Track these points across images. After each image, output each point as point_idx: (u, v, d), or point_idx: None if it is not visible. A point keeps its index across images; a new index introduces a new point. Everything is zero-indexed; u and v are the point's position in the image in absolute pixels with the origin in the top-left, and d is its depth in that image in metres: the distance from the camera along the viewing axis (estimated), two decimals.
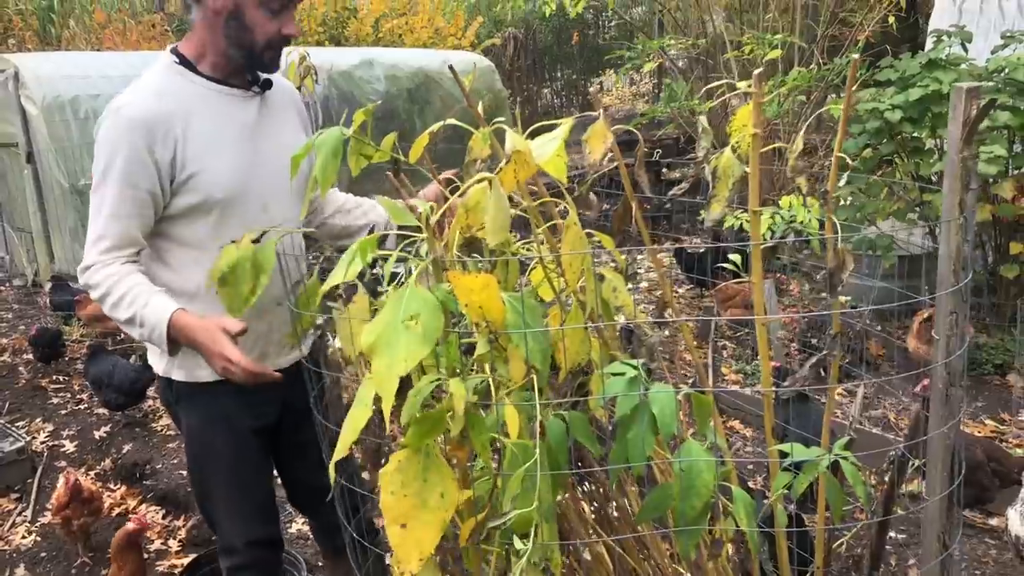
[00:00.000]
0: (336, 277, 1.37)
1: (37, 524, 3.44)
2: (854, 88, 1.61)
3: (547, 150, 1.49)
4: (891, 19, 5.66)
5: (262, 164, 1.88)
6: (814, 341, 4.07)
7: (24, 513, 3.53)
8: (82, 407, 4.53)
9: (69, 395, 4.69)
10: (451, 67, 1.61)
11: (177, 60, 1.84)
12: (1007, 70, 3.85)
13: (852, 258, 1.66)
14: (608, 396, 1.43)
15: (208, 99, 1.83)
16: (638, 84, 14.64)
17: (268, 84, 1.93)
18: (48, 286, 5.74)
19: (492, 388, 1.37)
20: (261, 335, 1.94)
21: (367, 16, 10.53)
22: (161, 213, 1.82)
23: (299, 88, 4.32)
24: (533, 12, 9.69)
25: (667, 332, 5.20)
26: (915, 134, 3.98)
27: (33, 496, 3.63)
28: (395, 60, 8.35)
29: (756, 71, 1.66)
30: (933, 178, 4.07)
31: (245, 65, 1.85)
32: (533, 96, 14.65)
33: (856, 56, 1.56)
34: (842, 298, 4.85)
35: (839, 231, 1.65)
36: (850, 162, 1.54)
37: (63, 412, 4.47)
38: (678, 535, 1.46)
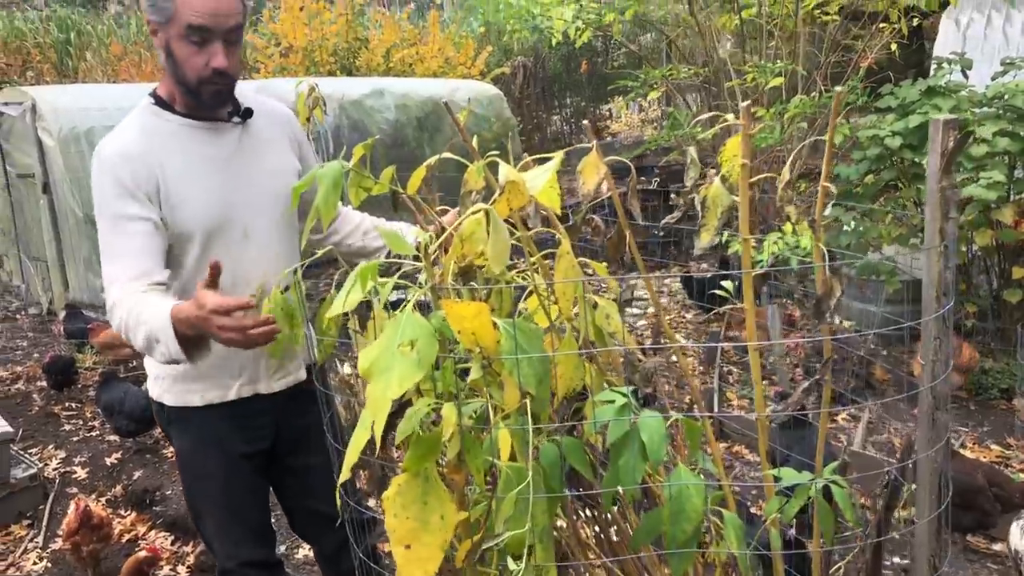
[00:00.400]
0: (336, 306, 1.41)
1: (48, 550, 3.48)
2: (842, 116, 1.65)
3: (539, 181, 1.55)
4: (894, 46, 5.72)
5: (241, 192, 1.93)
6: (818, 366, 4.07)
7: (36, 539, 3.57)
8: (94, 434, 4.59)
9: (81, 422, 4.75)
10: (445, 103, 1.66)
11: (154, 101, 1.91)
12: (1006, 96, 3.89)
13: (840, 285, 1.70)
14: (599, 422, 1.47)
15: (183, 135, 1.89)
16: (647, 111, 14.74)
17: (248, 113, 1.97)
18: (62, 314, 5.83)
19: (490, 412, 1.42)
20: (250, 360, 1.97)
21: (378, 46, 10.66)
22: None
23: (307, 119, 4.41)
24: (541, 40, 9.81)
25: (674, 358, 5.22)
26: (916, 160, 4.02)
27: (45, 522, 3.68)
28: (405, 89, 8.45)
29: (743, 104, 1.71)
30: None
31: (195, 102, 1.88)
32: (543, 123, 14.79)
33: (839, 89, 1.60)
34: (846, 323, 4.88)
35: (827, 258, 1.69)
36: (832, 189, 1.58)
37: (75, 439, 4.53)
38: (670, 558, 1.49)
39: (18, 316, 7.02)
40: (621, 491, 1.56)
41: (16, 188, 6.90)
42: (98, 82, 10.16)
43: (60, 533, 3.39)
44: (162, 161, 1.85)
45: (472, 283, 1.55)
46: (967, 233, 3.86)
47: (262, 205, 1.96)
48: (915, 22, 5.64)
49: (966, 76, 4.41)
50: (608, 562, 1.80)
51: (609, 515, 1.93)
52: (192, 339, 1.69)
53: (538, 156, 1.63)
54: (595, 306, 1.72)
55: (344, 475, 1.28)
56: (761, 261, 4.25)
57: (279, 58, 10.56)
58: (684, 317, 6.17)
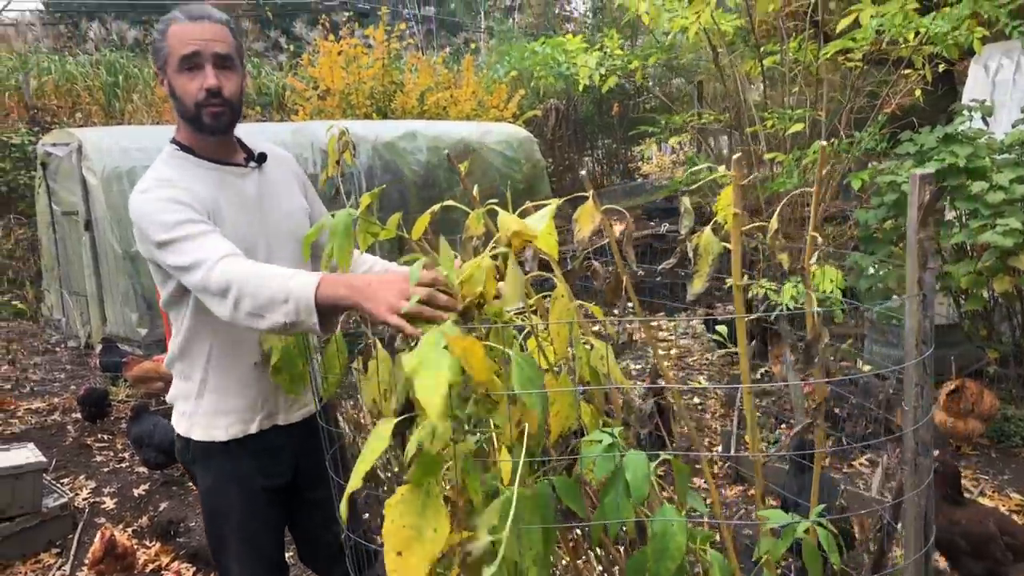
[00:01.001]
0: None
1: None
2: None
3: (537, 228, 1.62)
4: (917, 92, 5.74)
5: (262, 231, 2.04)
6: (836, 411, 4.07)
7: (63, 568, 3.67)
8: (124, 465, 4.71)
9: (112, 453, 4.88)
10: (447, 154, 1.76)
11: (177, 148, 2.02)
12: None
13: (827, 332, 1.75)
14: (587, 461, 1.53)
15: (210, 177, 1.99)
16: (678, 152, 14.84)
17: (263, 158, 2.10)
18: (99, 348, 6.00)
19: (494, 441, 1.49)
20: (270, 393, 2.07)
21: (413, 89, 10.90)
22: None
23: (337, 162, 4.53)
24: (570, 85, 9.97)
25: (696, 400, 5.25)
26: (936, 206, 4.03)
27: (73, 551, 3.78)
28: (437, 132, 8.64)
29: (735, 156, 1.78)
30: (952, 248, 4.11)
31: (199, 131, 1.98)
32: (574, 164, 14.94)
33: (823, 143, 1.67)
34: (866, 367, 4.87)
35: (815, 304, 1.74)
36: (819, 239, 1.63)
37: (105, 470, 4.66)
38: None
39: (57, 349, 7.23)
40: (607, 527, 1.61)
41: (60, 225, 7.15)
42: (142, 123, 10.49)
43: (87, 562, 3.49)
44: (195, 198, 1.92)
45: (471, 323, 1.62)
46: (986, 279, 3.86)
47: (280, 244, 2.07)
48: (940, 68, 5.66)
49: (986, 123, 4.44)
50: None
51: (612, 553, 1.98)
52: (327, 309, 1.64)
53: (569, 196, 1.71)
54: (591, 347, 1.79)
55: (354, 484, 1.34)
56: (780, 305, 4.28)
57: (317, 101, 10.84)
58: (708, 359, 6.18)
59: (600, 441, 1.54)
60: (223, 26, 1.96)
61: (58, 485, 4.19)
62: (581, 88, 6.32)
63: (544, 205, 1.67)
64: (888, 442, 4.15)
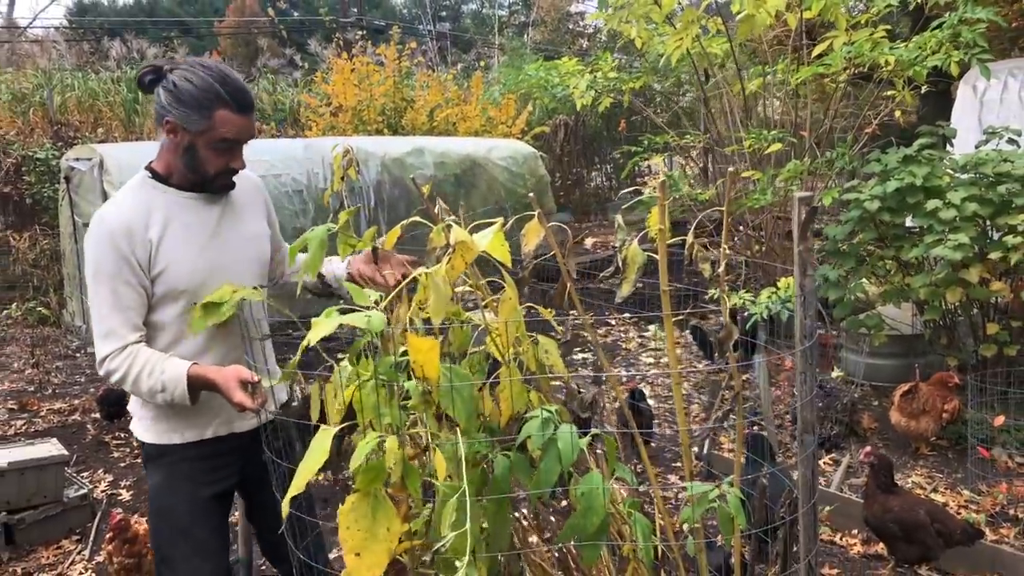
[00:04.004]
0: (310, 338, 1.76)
1: (93, 562, 3.88)
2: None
3: (487, 239, 1.92)
4: (898, 114, 6.01)
5: (226, 254, 2.19)
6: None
7: (83, 553, 3.97)
8: (139, 460, 5.02)
9: (128, 449, 5.21)
10: (412, 180, 2.07)
11: (151, 175, 2.16)
12: (978, 165, 4.18)
13: (737, 330, 2.04)
14: (523, 436, 1.82)
15: (176, 206, 2.14)
16: (684, 167, 15.11)
17: (231, 185, 2.24)
18: None
19: (428, 439, 1.76)
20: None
21: (423, 106, 11.21)
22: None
23: (342, 178, 4.85)
24: (570, 103, 10.27)
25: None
26: (896, 222, 4.31)
27: (91, 538, 4.08)
28: (444, 148, 8.93)
29: (660, 180, 2.08)
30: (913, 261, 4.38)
31: (204, 187, 2.17)
32: (583, 179, 15.25)
33: (731, 169, 1.96)
34: (836, 373, 5.13)
35: (727, 307, 2.02)
36: (726, 251, 1.92)
37: (122, 464, 4.99)
38: (581, 548, 1.82)
39: (77, 354, 7.59)
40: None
41: (82, 236, 7.52)
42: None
43: (103, 548, 3.79)
44: (156, 231, 2.09)
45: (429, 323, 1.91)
46: (940, 291, 4.12)
47: (241, 266, 2.22)
48: (923, 89, 5.91)
49: (950, 144, 4.70)
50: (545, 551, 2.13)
51: (547, 518, 2.27)
52: (194, 392, 2.03)
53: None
54: (536, 342, 2.09)
55: (296, 489, 1.51)
56: (755, 314, 4.56)
57: (330, 117, 11.19)
58: (696, 366, 6.45)
59: (538, 417, 1.83)
60: (254, 113, 2.15)
61: (78, 478, 4.50)
62: (579, 107, 6.60)
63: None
64: (859, 444, 4.42)
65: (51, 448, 4.22)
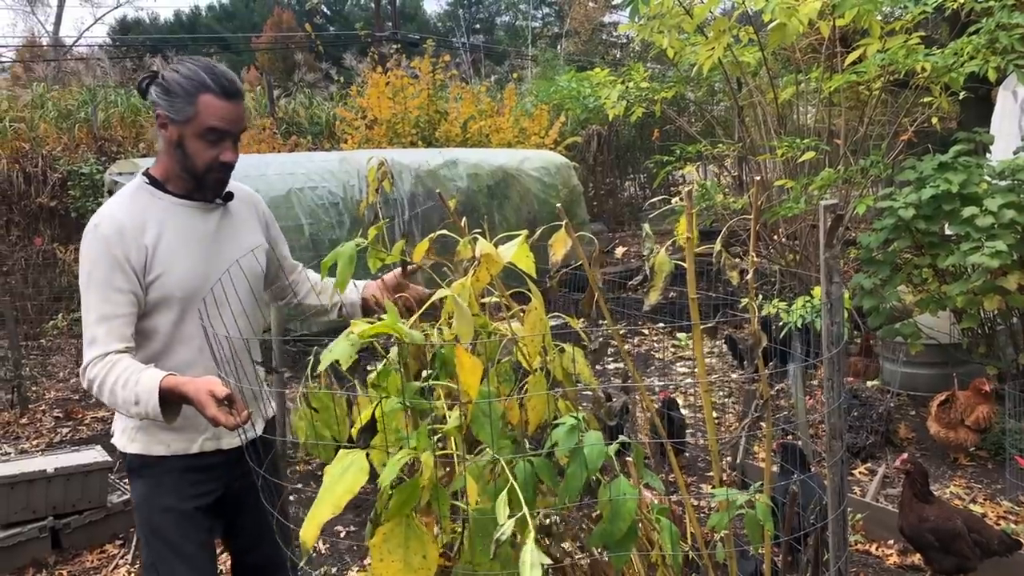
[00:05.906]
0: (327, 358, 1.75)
1: (136, 566, 3.97)
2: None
3: (512, 251, 1.96)
4: (935, 120, 5.95)
5: (218, 265, 2.13)
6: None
7: (126, 557, 4.07)
8: None
9: None
10: (439, 194, 2.11)
11: (147, 180, 2.13)
12: (1015, 172, 4.13)
13: (766, 338, 2.05)
14: (550, 443, 1.85)
15: (173, 212, 2.11)
16: (719, 176, 15.04)
17: (229, 196, 2.21)
18: None
19: (455, 462, 1.78)
20: None
21: (456, 118, 11.31)
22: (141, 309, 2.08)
23: (376, 190, 4.91)
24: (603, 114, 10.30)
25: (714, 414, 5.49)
26: (931, 229, 4.27)
27: (134, 542, 4.16)
28: (477, 159, 9.02)
29: (687, 189, 2.11)
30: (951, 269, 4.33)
31: (194, 186, 2.13)
32: (616, 189, 15.25)
33: (758, 178, 1.97)
34: (872, 382, 5.08)
35: (756, 315, 2.03)
36: (754, 258, 1.93)
37: None
38: (611, 552, 1.85)
39: None
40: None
41: None
42: None
43: None
44: (152, 236, 2.05)
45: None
46: (978, 299, 4.07)
47: (235, 278, 2.15)
48: (961, 96, 5.85)
49: (988, 151, 4.65)
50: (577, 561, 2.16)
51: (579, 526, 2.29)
52: (172, 405, 1.92)
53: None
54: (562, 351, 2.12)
55: (310, 540, 1.39)
56: (788, 323, 4.54)
57: (365, 130, 11.33)
58: (729, 376, 6.43)
59: (566, 423, 1.86)
60: (242, 103, 2.12)
61: (121, 483, 4.60)
62: (611, 117, 6.62)
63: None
64: (894, 453, 4.37)
65: (95, 455, 4.32)
